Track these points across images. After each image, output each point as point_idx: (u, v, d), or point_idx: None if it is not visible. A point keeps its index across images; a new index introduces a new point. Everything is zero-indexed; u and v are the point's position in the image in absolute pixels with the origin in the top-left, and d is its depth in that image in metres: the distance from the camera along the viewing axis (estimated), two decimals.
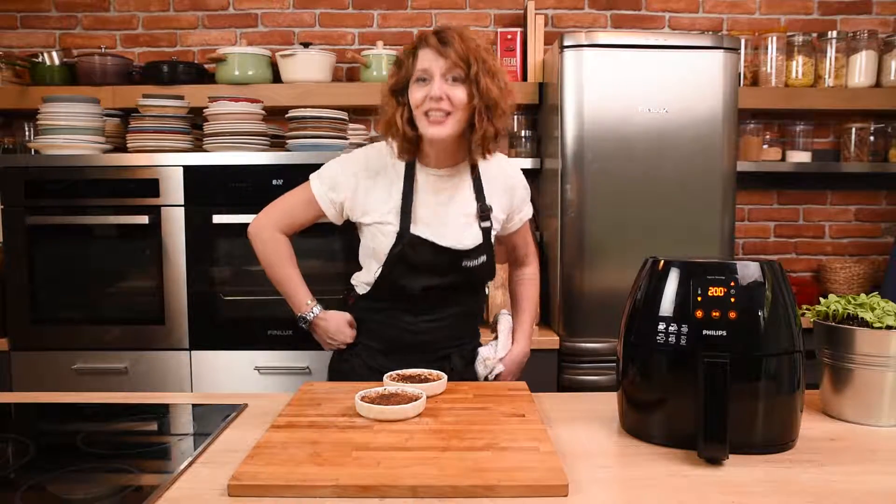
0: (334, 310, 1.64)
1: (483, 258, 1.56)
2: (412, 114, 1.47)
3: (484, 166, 1.57)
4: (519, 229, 1.69)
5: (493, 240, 1.60)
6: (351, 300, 1.66)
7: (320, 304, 1.64)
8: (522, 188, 1.65)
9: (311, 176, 1.60)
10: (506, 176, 1.62)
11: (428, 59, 1.43)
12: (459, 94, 1.43)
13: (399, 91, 1.49)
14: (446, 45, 1.42)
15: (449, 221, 1.54)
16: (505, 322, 1.72)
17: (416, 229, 1.51)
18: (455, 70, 1.42)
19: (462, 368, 1.60)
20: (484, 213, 1.56)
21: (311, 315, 1.61)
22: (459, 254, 1.53)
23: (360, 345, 1.61)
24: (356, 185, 1.55)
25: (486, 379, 1.61)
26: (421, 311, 1.56)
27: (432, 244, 1.51)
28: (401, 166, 1.55)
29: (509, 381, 1.66)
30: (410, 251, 1.50)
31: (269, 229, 1.61)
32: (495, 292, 2.56)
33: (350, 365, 1.60)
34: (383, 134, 1.54)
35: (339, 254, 2.37)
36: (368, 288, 1.58)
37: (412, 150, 1.52)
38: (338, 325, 1.61)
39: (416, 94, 1.45)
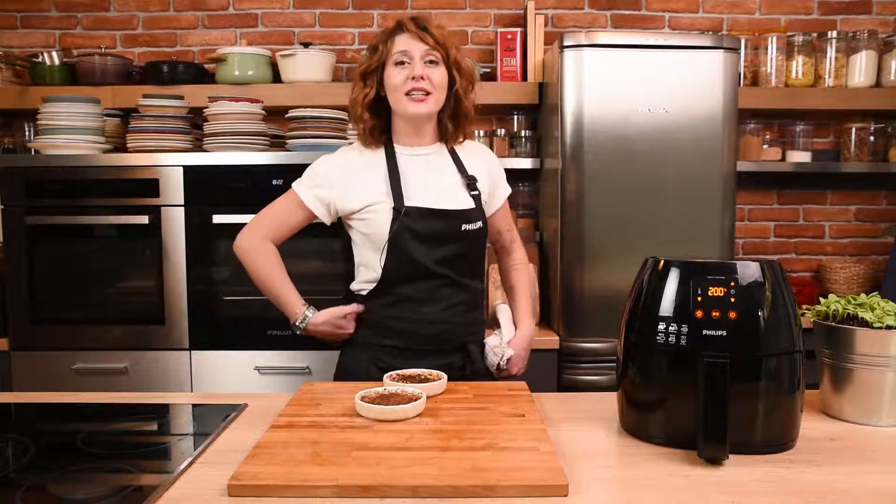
0: (327, 308, 1.62)
1: (479, 223, 1.59)
2: (378, 97, 1.56)
3: (459, 147, 1.66)
4: (501, 210, 1.73)
5: (483, 209, 1.63)
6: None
7: (317, 305, 1.63)
8: (497, 164, 1.73)
9: (293, 183, 1.63)
10: (479, 152, 1.71)
11: (407, 43, 1.52)
12: (438, 75, 1.53)
13: (369, 74, 1.56)
14: (425, 31, 1.52)
15: (439, 190, 1.57)
16: (504, 311, 1.74)
17: (410, 201, 1.53)
18: (433, 53, 1.52)
19: (479, 360, 1.60)
20: (470, 182, 1.61)
21: (304, 322, 1.60)
22: (458, 216, 1.55)
23: (372, 346, 1.59)
24: (340, 175, 1.59)
25: (498, 366, 1.61)
26: (437, 299, 1.56)
27: (430, 209, 1.53)
28: (380, 152, 1.60)
29: (520, 364, 1.67)
30: (412, 222, 1.52)
31: (255, 238, 1.61)
32: (495, 292, 2.56)
33: (358, 364, 1.59)
34: (350, 117, 1.63)
35: (338, 254, 2.37)
36: (374, 285, 1.58)
37: (371, 133, 1.59)
38: (333, 325, 1.60)
39: (396, 76, 1.52)
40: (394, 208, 1.52)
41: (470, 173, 1.62)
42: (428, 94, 1.52)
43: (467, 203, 1.58)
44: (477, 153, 1.69)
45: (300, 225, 1.64)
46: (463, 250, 1.57)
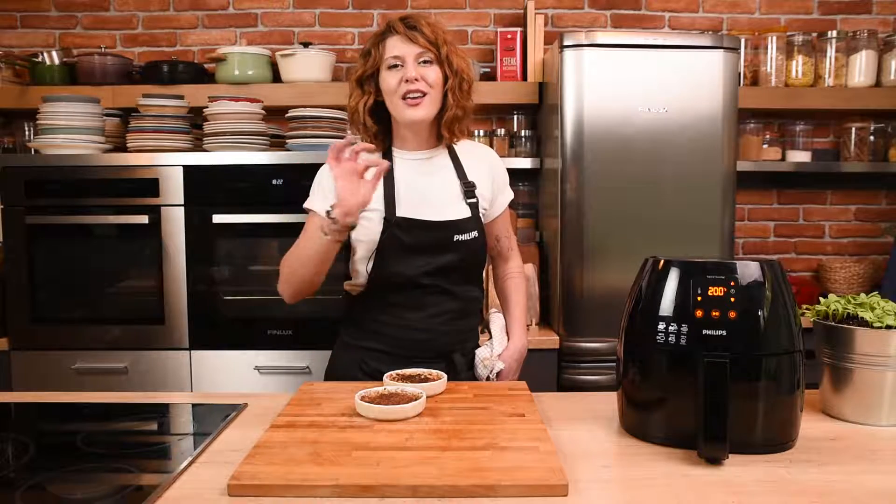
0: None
1: (475, 233, 1.56)
2: (377, 102, 1.54)
3: (461, 148, 1.63)
4: (501, 216, 1.69)
5: (481, 217, 1.60)
6: (346, 305, 1.64)
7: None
8: (501, 168, 1.69)
9: (305, 203, 1.56)
10: (484, 156, 1.67)
11: (398, 46, 1.49)
12: (432, 74, 1.50)
13: (365, 80, 1.54)
14: (415, 31, 1.48)
15: (434, 201, 1.55)
16: (497, 320, 1.71)
17: (401, 211, 1.51)
18: (426, 53, 1.49)
19: (465, 370, 1.59)
20: (469, 189, 1.58)
21: (329, 216, 1.40)
22: (450, 227, 1.52)
23: (358, 348, 1.58)
24: None
25: (488, 379, 1.60)
26: (423, 306, 1.54)
27: (421, 221, 1.51)
28: (378, 156, 1.56)
29: (511, 377, 1.65)
30: (400, 233, 1.50)
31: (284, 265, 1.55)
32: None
33: (344, 366, 1.58)
34: (351, 124, 1.59)
35: (338, 254, 2.36)
36: (363, 288, 1.57)
37: (375, 138, 1.57)
38: (342, 171, 1.36)
39: (390, 80, 1.50)
40: (384, 218, 1.51)
41: (470, 178, 1.59)
42: (424, 94, 1.48)
43: (462, 212, 1.55)
44: (479, 156, 1.65)
45: None
46: (455, 260, 1.54)
